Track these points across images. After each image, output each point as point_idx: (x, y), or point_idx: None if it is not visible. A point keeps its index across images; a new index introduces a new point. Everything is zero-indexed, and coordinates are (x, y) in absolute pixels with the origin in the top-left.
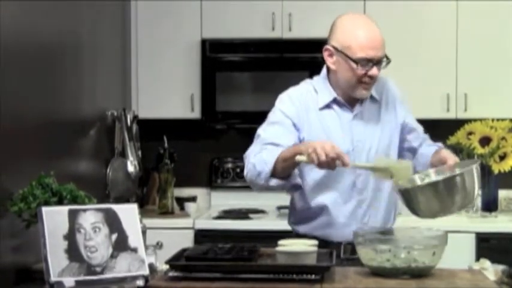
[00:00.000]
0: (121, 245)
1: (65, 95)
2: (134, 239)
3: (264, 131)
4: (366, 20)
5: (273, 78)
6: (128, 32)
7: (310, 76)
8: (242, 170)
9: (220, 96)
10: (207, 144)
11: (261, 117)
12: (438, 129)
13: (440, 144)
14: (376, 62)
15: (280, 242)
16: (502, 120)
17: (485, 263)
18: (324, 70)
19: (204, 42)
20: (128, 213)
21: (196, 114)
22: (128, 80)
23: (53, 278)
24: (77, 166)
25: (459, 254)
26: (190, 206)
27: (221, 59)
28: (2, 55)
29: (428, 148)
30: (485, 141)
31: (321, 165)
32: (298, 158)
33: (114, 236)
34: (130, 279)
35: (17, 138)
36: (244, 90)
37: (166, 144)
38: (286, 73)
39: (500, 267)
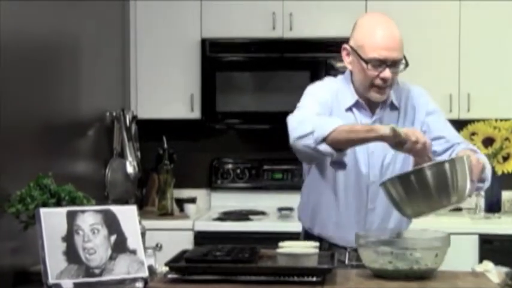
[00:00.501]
0: (120, 246)
1: (63, 95)
2: (133, 240)
3: (309, 105)
4: (384, 20)
5: (274, 78)
6: (127, 31)
7: (311, 76)
8: (242, 171)
9: (221, 96)
10: (207, 145)
11: (261, 117)
12: None
13: (475, 148)
14: (391, 64)
15: (281, 243)
16: (506, 120)
17: (489, 265)
18: (348, 70)
19: (204, 41)
20: (127, 214)
21: (196, 114)
22: (127, 80)
23: (51, 280)
24: (76, 167)
25: (462, 256)
26: (190, 208)
27: (221, 59)
28: (0, 55)
29: (458, 150)
30: (488, 141)
31: (415, 145)
32: (382, 131)
33: (113, 238)
34: (129, 281)
35: (15, 138)
36: (244, 90)
37: (165, 145)
38: (286, 73)
39: (504, 270)
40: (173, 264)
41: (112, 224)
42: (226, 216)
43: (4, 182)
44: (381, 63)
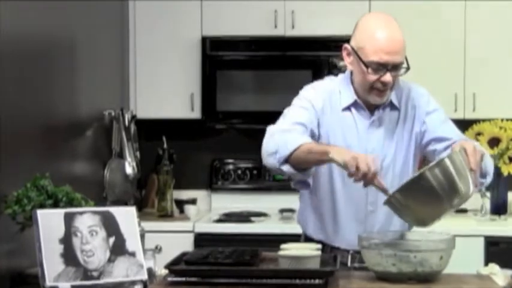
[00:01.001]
0: (119, 249)
1: (61, 95)
2: (132, 242)
3: (289, 112)
4: (386, 22)
5: (275, 77)
6: (126, 29)
7: (313, 75)
8: (243, 171)
9: (221, 96)
10: (208, 145)
11: (263, 117)
12: None
13: (472, 140)
14: (392, 68)
15: (283, 245)
16: None
17: (494, 267)
18: (348, 70)
19: (204, 39)
20: (126, 216)
21: (196, 114)
22: (126, 79)
23: (49, 283)
24: (73, 167)
25: (467, 259)
26: (190, 209)
27: (222, 57)
28: None
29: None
30: (494, 142)
31: (356, 176)
32: (334, 156)
33: (112, 240)
34: (128, 284)
35: (11, 138)
36: (245, 89)
37: (165, 145)
38: (288, 72)
39: (510, 272)
40: (173, 266)
41: (111, 225)
42: (227, 217)
43: (0, 182)
44: (382, 66)
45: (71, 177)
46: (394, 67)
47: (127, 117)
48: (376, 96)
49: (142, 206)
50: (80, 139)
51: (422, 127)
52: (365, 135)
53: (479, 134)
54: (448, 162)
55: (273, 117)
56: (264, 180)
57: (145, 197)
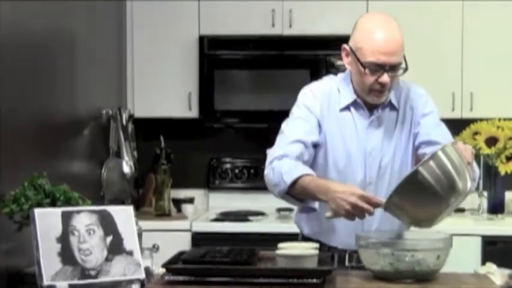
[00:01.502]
0: (116, 248)
1: (59, 94)
2: (130, 241)
3: (287, 127)
4: (384, 22)
5: (273, 76)
6: (124, 28)
7: (311, 74)
8: (241, 171)
9: (219, 95)
10: (205, 144)
11: (260, 116)
12: None
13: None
14: (389, 69)
15: (280, 245)
16: (509, 119)
17: (492, 267)
18: (348, 69)
19: (202, 38)
20: (124, 215)
21: (194, 113)
22: (123, 78)
23: (46, 282)
24: (71, 166)
25: (464, 258)
26: (187, 208)
27: (220, 56)
28: None
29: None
30: (491, 141)
31: (349, 216)
32: (327, 214)
33: (109, 239)
34: (125, 283)
35: (9, 137)
36: (243, 89)
37: (163, 144)
38: (286, 71)
39: (507, 272)
40: (170, 265)
41: (108, 224)
42: (225, 216)
43: None
44: (379, 67)
45: (69, 176)
46: (392, 68)
47: (124, 116)
48: (374, 97)
49: (139, 205)
50: (78, 138)
51: (416, 129)
52: (364, 135)
53: (476, 133)
54: (442, 155)
55: (270, 116)
56: (261, 179)
57: (143, 196)
